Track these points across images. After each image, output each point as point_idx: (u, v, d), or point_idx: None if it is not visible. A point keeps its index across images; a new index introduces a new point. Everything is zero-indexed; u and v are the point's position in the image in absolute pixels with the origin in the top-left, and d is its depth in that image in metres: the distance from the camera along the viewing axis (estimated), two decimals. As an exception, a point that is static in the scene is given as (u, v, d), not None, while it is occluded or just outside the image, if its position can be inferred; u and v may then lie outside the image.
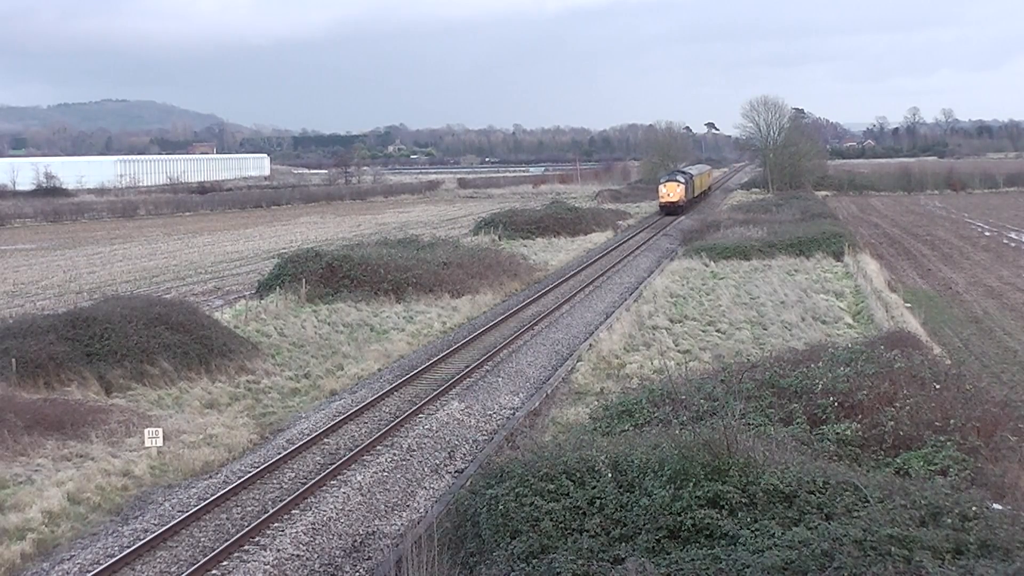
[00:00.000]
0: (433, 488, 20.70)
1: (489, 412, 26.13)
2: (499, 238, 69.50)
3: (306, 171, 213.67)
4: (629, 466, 15.47)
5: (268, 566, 16.54)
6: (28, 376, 26.98)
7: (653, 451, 15.78)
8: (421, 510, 19.39)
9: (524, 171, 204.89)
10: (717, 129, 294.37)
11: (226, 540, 17.44)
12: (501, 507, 14.86)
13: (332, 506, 19.13)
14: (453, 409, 25.72)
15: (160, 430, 22.67)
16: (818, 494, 14.13)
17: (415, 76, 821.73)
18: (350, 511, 19.05)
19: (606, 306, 42.09)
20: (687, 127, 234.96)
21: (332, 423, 24.45)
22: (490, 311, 41.72)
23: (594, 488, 15.05)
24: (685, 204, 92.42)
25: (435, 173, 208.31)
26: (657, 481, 14.75)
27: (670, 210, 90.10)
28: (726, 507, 13.97)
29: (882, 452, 17.52)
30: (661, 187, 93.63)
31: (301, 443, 22.87)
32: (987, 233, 73.15)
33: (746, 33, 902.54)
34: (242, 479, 20.50)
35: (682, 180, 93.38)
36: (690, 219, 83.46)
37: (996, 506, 13.87)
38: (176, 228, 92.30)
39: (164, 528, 17.86)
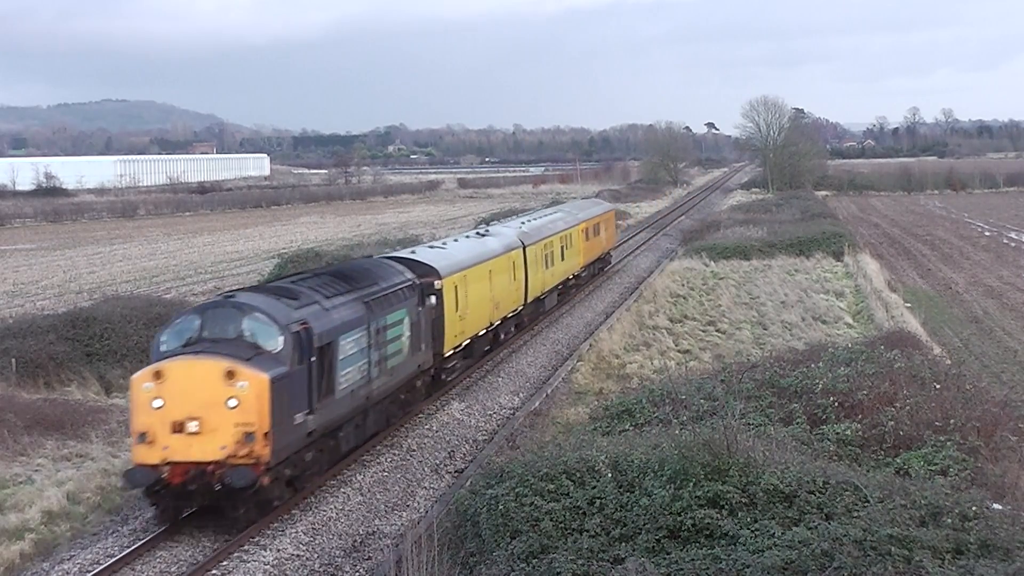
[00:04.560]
0: (433, 488, 20.69)
1: (489, 412, 26.12)
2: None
3: (306, 171, 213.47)
4: (629, 466, 15.48)
5: (268, 566, 16.54)
6: (28, 376, 27.00)
7: (653, 451, 15.79)
8: (421, 510, 19.38)
9: (524, 171, 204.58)
10: (717, 129, 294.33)
11: (226, 540, 17.42)
12: (501, 507, 14.85)
13: (332, 506, 19.13)
14: (453, 409, 25.73)
15: (160, 430, 22.42)
16: (818, 494, 14.14)
17: (415, 76, 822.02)
18: (350, 511, 19.06)
19: (606, 306, 42.09)
20: (687, 127, 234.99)
21: (332, 423, 24.13)
22: (490, 311, 41.54)
23: (594, 488, 15.05)
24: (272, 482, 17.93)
25: (435, 173, 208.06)
26: (657, 481, 14.76)
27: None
28: (726, 507, 13.97)
29: (882, 452, 17.52)
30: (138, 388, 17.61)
31: (301, 443, 22.59)
32: (987, 233, 73.11)
33: (745, 33, 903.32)
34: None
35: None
36: (690, 220, 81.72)
37: (996, 506, 13.88)
38: (176, 228, 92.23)
39: (164, 528, 17.83)
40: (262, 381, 16.86)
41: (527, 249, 34.68)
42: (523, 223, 38.84)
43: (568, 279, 42.08)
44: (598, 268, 49.92)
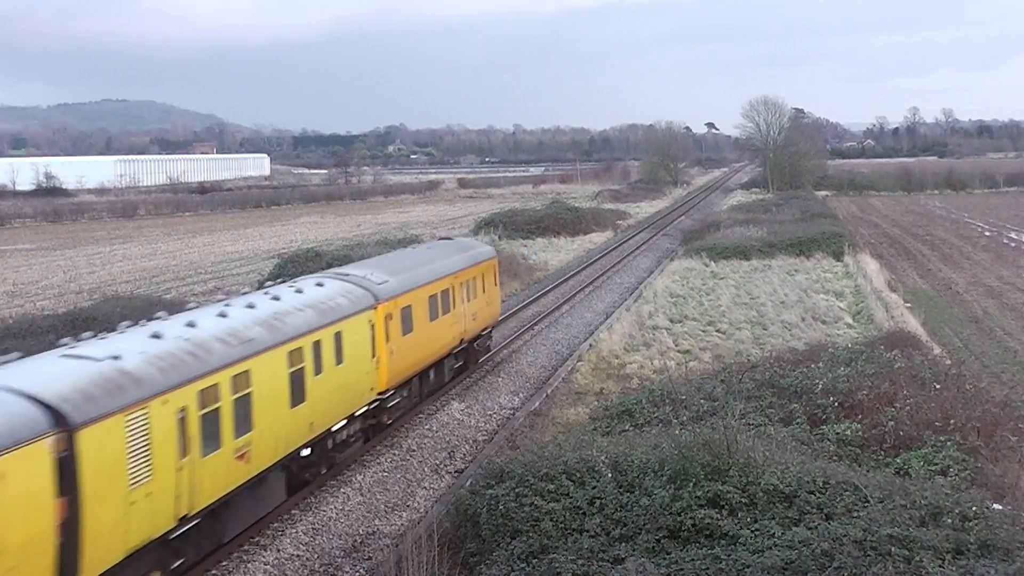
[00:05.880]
0: (433, 488, 20.70)
1: (489, 412, 26.12)
2: (499, 238, 69.44)
3: (306, 171, 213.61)
4: (629, 466, 15.49)
5: (268, 566, 16.55)
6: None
7: (653, 451, 15.81)
8: (421, 510, 19.39)
9: (524, 171, 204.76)
10: (717, 129, 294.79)
11: (227, 540, 17.41)
12: (501, 507, 14.86)
13: (332, 506, 19.14)
14: (453, 409, 25.73)
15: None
16: (818, 494, 14.15)
17: (415, 76, 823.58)
18: (350, 511, 19.06)
19: (606, 306, 42.08)
20: (687, 127, 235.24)
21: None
22: (490, 311, 41.49)
23: (594, 488, 15.06)
24: None
25: (435, 173, 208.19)
26: (657, 481, 14.76)
27: None
28: (726, 507, 13.98)
29: (882, 452, 17.54)
30: None
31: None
32: (987, 233, 73.10)
33: (745, 33, 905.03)
34: (242, 479, 19.76)
35: None
36: (690, 220, 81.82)
37: (996, 506, 13.88)
38: (176, 228, 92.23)
39: (164, 528, 17.58)
40: None
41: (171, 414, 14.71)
42: (151, 335, 15.65)
43: (342, 424, 20.58)
44: (452, 370, 27.71)
